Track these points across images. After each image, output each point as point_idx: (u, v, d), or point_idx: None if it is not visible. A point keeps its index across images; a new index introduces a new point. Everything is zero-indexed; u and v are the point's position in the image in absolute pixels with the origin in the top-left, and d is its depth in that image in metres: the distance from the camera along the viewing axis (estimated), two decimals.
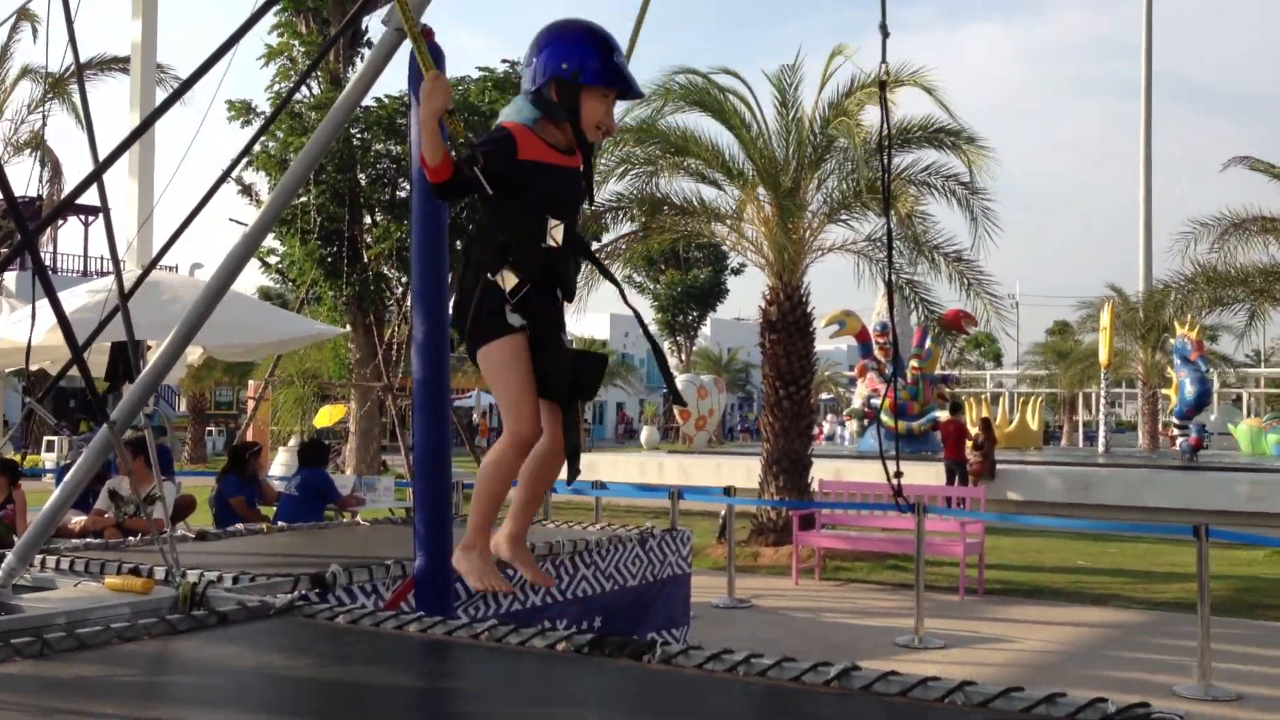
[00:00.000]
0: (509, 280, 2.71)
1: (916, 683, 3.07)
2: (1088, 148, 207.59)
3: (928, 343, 21.90)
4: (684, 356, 49.01)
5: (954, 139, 12.71)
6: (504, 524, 3.00)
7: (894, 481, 5.11)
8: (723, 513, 11.61)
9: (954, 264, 13.38)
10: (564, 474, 2.95)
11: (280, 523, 7.85)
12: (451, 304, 2.87)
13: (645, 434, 40.15)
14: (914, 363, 21.99)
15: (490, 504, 2.83)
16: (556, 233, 2.77)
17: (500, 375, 2.74)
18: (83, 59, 5.30)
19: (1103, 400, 28.65)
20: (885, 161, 4.40)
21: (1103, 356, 26.41)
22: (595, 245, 14.60)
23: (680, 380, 32.43)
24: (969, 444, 17.68)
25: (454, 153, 2.78)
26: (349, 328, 17.52)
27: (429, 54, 3.17)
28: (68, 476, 4.55)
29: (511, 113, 2.86)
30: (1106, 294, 32.05)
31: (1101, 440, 27.21)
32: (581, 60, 2.76)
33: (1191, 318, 21.55)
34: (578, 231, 2.88)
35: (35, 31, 19.77)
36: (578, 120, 2.79)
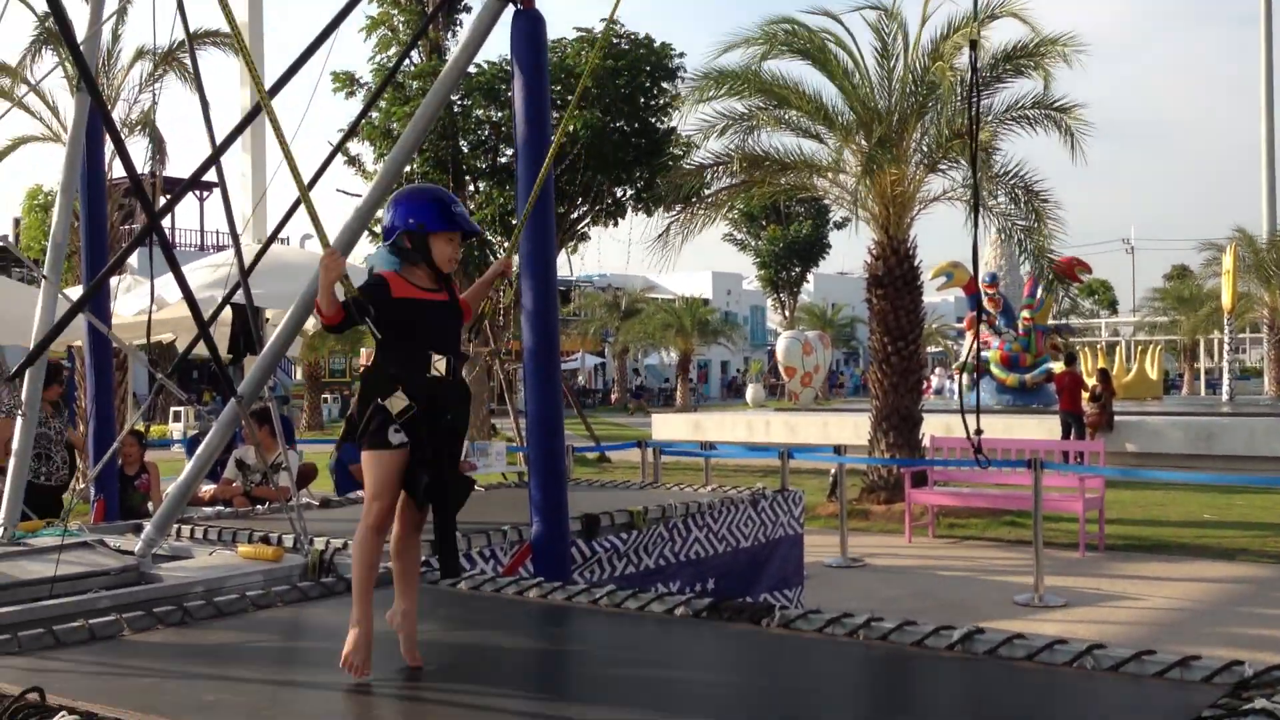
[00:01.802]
0: (396, 404, 3.21)
1: (1043, 646, 3.02)
2: (1205, 82, 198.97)
3: (1039, 292, 21.29)
4: (788, 313, 48.59)
5: (1038, 53, 12.25)
6: (395, 600, 3.41)
7: (973, 439, 5.06)
8: (833, 471, 11.52)
9: (1038, 200, 13.03)
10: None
11: None
12: (350, 413, 3.38)
13: (751, 391, 40.04)
14: (1025, 313, 21.44)
15: (365, 579, 3.28)
16: (440, 365, 3.29)
17: (370, 478, 3.24)
18: (190, 32, 5.43)
19: (1226, 346, 27.61)
20: (973, 128, 4.26)
21: (1226, 301, 25.40)
22: (694, 199, 14.44)
23: (785, 336, 32.10)
24: (1085, 396, 17.22)
25: (345, 301, 3.26)
26: None
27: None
28: (200, 450, 4.74)
29: (379, 262, 3.39)
30: (1229, 235, 30.75)
31: (1225, 388, 26.26)
32: (425, 215, 3.32)
33: None
34: (457, 367, 3.38)
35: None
36: (431, 261, 3.34)
